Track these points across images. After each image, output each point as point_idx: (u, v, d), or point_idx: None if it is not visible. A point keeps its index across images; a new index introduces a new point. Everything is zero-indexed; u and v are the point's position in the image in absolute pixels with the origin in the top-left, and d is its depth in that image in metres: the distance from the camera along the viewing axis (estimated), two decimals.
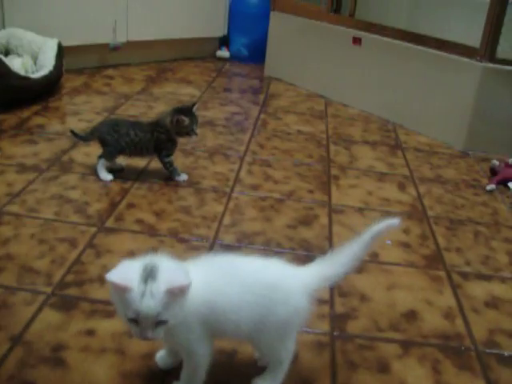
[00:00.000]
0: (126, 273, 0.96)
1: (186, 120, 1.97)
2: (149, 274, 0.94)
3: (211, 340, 1.07)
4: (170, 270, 0.97)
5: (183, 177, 2.08)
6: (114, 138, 1.97)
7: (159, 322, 0.95)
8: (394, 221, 1.13)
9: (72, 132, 2.08)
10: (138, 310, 0.93)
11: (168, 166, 2.05)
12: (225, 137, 2.53)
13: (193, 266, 1.06)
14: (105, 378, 1.16)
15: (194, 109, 2.01)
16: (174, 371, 1.16)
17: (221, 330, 1.06)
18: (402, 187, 2.19)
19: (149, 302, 0.93)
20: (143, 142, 1.99)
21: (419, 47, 2.73)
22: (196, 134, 2.01)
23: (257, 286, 1.06)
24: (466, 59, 2.54)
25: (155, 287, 0.93)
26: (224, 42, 3.99)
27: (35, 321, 1.30)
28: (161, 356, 1.21)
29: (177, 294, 0.94)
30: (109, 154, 2.00)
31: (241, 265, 1.11)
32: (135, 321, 0.95)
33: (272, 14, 3.49)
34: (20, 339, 1.24)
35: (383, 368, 1.27)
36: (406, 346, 1.35)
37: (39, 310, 1.34)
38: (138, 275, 0.95)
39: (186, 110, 2.00)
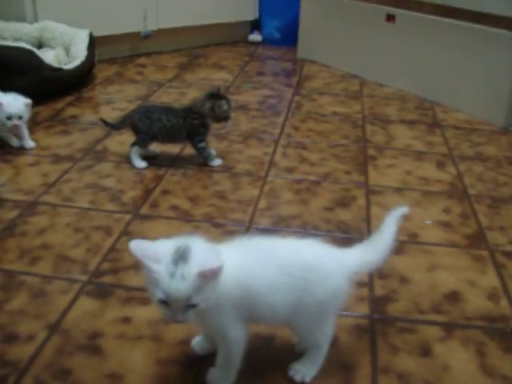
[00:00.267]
0: (154, 250, 0.95)
1: (225, 105, 1.96)
2: (180, 256, 0.92)
3: (246, 325, 1.05)
4: (203, 252, 0.95)
5: (217, 161, 2.06)
6: (147, 124, 1.96)
7: (190, 306, 0.93)
8: (404, 209, 1.19)
9: (103, 121, 2.08)
10: (167, 291, 0.91)
11: (201, 151, 2.03)
12: (259, 120, 2.50)
13: (227, 249, 1.04)
14: (141, 365, 1.15)
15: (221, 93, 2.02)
16: (211, 357, 1.14)
17: (256, 314, 1.03)
18: (441, 166, 2.13)
19: (179, 284, 0.91)
20: (176, 127, 1.98)
21: (455, 21, 2.64)
22: (231, 119, 2.01)
23: (293, 267, 1.03)
24: (504, 31, 2.44)
25: (187, 269, 0.91)
26: (256, 25, 3.95)
27: (72, 309, 1.30)
28: (197, 342, 1.19)
29: (208, 277, 0.92)
30: (142, 140, 2.00)
31: (276, 246, 1.08)
32: (165, 303, 0.93)
33: None
34: (57, 327, 1.24)
35: (425, 351, 1.23)
36: (449, 328, 1.30)
37: (75, 298, 1.34)
38: (169, 255, 0.93)
39: (222, 96, 1.99)
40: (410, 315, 1.34)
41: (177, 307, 0.93)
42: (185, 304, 0.92)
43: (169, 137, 2.00)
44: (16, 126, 2.04)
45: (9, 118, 2.01)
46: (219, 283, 0.95)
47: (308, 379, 1.12)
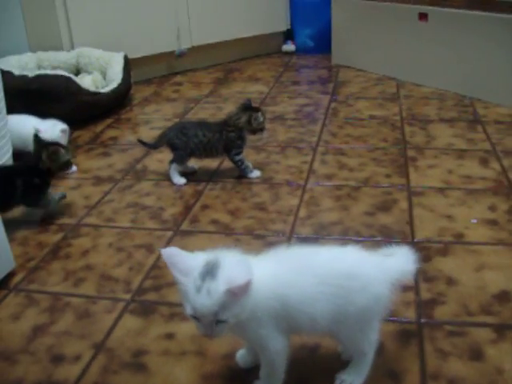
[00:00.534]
0: (184, 261, 0.94)
1: (261, 117, 1.97)
2: (209, 271, 0.91)
3: (286, 335, 1.03)
4: (232, 266, 0.93)
5: (256, 173, 2.06)
6: (183, 140, 1.98)
7: (219, 321, 0.92)
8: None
9: (140, 141, 2.10)
10: (193, 306, 0.91)
11: (239, 163, 2.03)
12: (296, 129, 2.49)
13: (263, 260, 1.02)
14: (186, 381, 1.15)
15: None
16: (255, 370, 1.13)
17: (295, 324, 1.02)
18: (484, 163, 2.07)
19: (204, 300, 0.89)
20: (212, 142, 1.99)
21: (488, 13, 2.58)
22: (267, 130, 2.03)
23: (331, 275, 1.01)
24: None
25: (213, 286, 0.90)
26: (288, 35, 3.95)
27: (116, 328, 1.31)
28: (241, 355, 1.18)
29: (237, 293, 0.90)
30: (179, 157, 2.01)
31: (313, 255, 1.06)
32: (195, 317, 0.93)
33: (333, 0, 3.41)
34: (102, 346, 1.25)
35: (476, 355, 1.19)
36: (501, 329, 1.26)
37: (119, 316, 1.35)
38: (198, 269, 0.92)
39: (255, 108, 2.00)
40: (458, 318, 1.30)
41: (206, 322, 0.92)
42: (213, 319, 0.91)
43: (206, 152, 2.01)
44: None
45: None
46: (251, 297, 0.93)
47: None
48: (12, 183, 1.71)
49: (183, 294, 0.93)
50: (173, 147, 2.01)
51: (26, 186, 1.73)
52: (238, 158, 2.03)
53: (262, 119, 1.98)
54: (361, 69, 3.36)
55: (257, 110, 1.99)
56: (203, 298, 0.90)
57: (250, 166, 2.06)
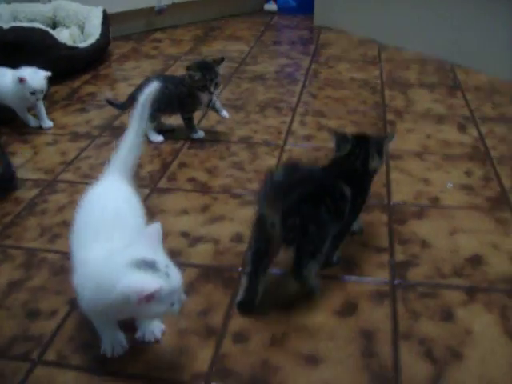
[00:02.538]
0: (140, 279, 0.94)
1: (197, 75, 1.89)
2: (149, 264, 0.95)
3: None
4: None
5: (199, 134, 2.04)
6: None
7: None
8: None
9: (108, 101, 2.07)
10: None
11: (186, 121, 2.02)
12: (276, 90, 2.47)
13: None
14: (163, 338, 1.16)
15: (220, 65, 1.92)
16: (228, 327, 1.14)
17: None
18: (462, 128, 2.08)
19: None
20: (172, 95, 1.94)
21: None
22: (210, 92, 1.91)
23: None
24: None
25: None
26: None
27: None
28: None
29: None
30: (149, 113, 1.97)
31: None
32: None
33: None
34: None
35: (447, 316, 1.21)
36: (472, 292, 1.28)
37: None
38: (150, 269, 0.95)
39: (203, 65, 1.91)
40: (431, 280, 1.32)
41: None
42: None
43: (171, 106, 1.96)
44: (32, 101, 2.04)
45: (32, 93, 2.01)
46: None
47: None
48: None
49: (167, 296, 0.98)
50: None
51: None
52: (186, 115, 2.00)
53: (197, 77, 1.88)
54: (343, 31, 3.33)
55: (200, 67, 1.89)
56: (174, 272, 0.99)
57: (196, 127, 2.04)
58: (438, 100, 2.33)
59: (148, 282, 0.92)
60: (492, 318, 1.21)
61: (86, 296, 1.01)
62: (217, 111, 2.02)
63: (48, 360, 1.12)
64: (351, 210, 1.26)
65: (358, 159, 1.30)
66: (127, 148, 1.28)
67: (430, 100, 2.33)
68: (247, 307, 1.22)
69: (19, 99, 2.04)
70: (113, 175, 1.25)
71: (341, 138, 1.34)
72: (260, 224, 1.17)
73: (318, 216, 1.16)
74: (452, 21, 2.70)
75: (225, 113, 2.02)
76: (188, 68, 1.92)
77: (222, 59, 1.93)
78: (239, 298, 1.24)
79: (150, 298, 0.91)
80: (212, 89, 1.90)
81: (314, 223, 1.15)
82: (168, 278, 0.94)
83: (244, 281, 1.24)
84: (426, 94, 2.40)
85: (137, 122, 1.31)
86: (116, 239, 1.04)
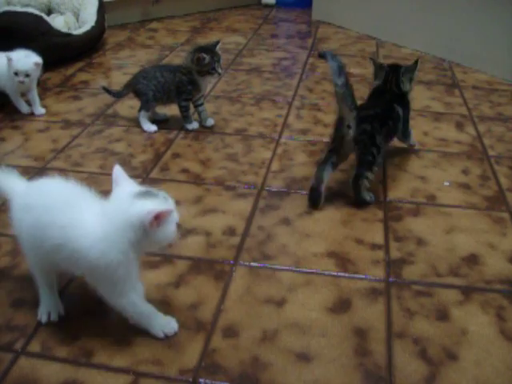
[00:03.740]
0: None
1: (207, 57, 1.87)
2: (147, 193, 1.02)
3: None
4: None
5: (193, 125, 2.01)
6: (145, 84, 1.93)
7: None
8: None
9: (104, 88, 2.04)
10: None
11: (183, 109, 1.98)
12: (272, 83, 2.44)
13: None
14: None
15: (217, 47, 1.90)
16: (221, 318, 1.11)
17: None
18: (459, 127, 2.06)
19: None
20: (169, 83, 1.93)
21: None
22: (219, 73, 1.91)
23: None
24: None
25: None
26: None
27: None
28: None
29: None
30: (145, 102, 1.95)
31: None
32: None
33: None
34: (64, 292, 1.22)
35: (442, 315, 1.19)
36: (467, 291, 1.26)
37: None
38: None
39: (208, 48, 1.90)
40: (426, 278, 1.29)
41: None
42: None
43: (166, 94, 1.94)
44: (23, 85, 2.00)
45: (15, 73, 1.97)
46: None
47: None
48: None
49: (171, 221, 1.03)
50: (137, 94, 1.96)
51: None
52: (184, 103, 1.97)
53: (207, 60, 1.87)
54: (341, 26, 3.30)
55: (205, 50, 1.88)
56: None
57: (192, 117, 2.01)
58: (435, 98, 2.31)
59: (155, 205, 0.99)
60: (488, 318, 1.18)
61: (108, 247, 1.02)
62: (202, 120, 2.01)
63: (32, 351, 1.09)
64: (403, 124, 1.70)
65: (392, 84, 1.70)
66: None
67: (428, 97, 2.31)
68: (313, 194, 1.54)
69: (12, 82, 2.00)
70: None
71: (378, 67, 1.75)
72: (339, 122, 1.53)
73: (380, 131, 1.54)
74: (451, 19, 2.68)
75: (210, 120, 2.02)
76: (196, 50, 1.89)
77: (218, 42, 1.93)
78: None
79: (161, 217, 0.98)
80: (220, 70, 1.90)
81: (379, 134, 1.53)
82: (167, 201, 1.02)
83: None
84: (424, 91, 2.38)
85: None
86: (92, 203, 1.09)
